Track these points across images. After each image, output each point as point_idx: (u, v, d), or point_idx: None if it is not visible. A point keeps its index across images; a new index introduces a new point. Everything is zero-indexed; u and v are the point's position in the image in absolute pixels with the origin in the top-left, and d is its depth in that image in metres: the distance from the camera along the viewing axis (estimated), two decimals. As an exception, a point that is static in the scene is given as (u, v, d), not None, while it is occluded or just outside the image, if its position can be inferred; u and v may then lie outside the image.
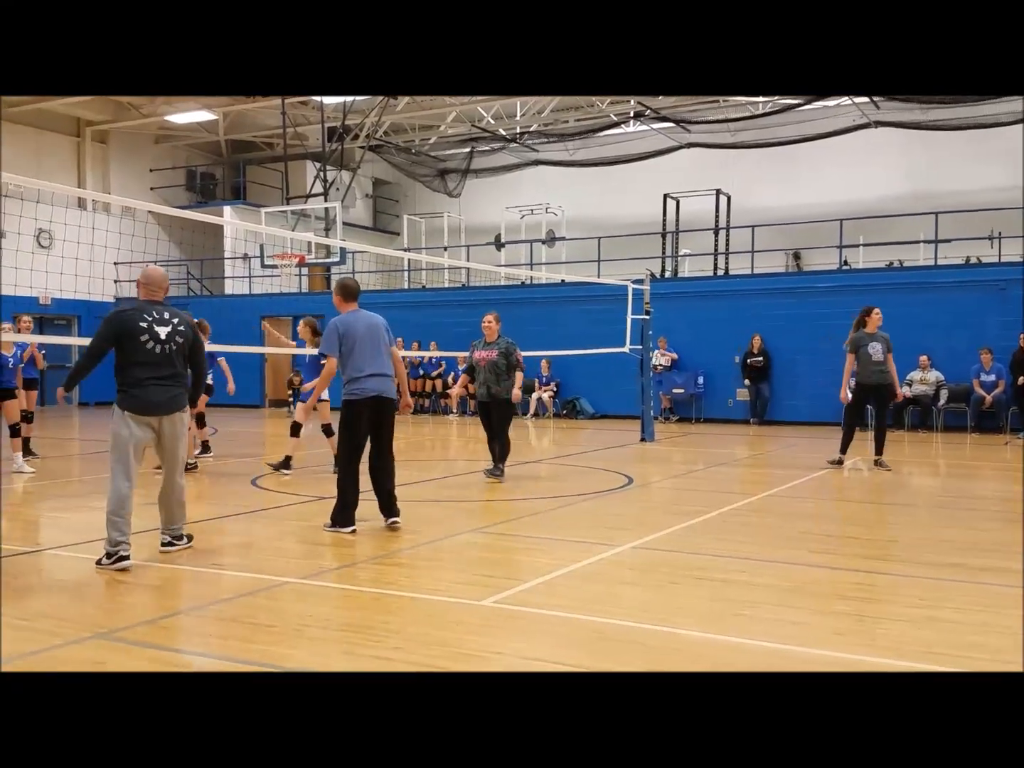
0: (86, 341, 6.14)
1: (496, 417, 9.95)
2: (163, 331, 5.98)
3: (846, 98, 21.19)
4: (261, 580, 5.57)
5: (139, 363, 5.89)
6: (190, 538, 6.43)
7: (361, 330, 7.07)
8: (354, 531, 6.93)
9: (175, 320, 6.07)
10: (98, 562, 5.83)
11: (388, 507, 7.15)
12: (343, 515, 6.98)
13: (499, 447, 9.95)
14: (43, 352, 12.32)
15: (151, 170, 27.21)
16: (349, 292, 7.27)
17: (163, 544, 6.30)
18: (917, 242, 19.92)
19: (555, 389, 20.63)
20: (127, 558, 5.77)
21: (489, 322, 10.01)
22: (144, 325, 5.91)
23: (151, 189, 26.90)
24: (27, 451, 11.70)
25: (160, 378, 5.94)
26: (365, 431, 7.04)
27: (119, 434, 5.90)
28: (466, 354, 10.49)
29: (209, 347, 9.75)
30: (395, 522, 7.09)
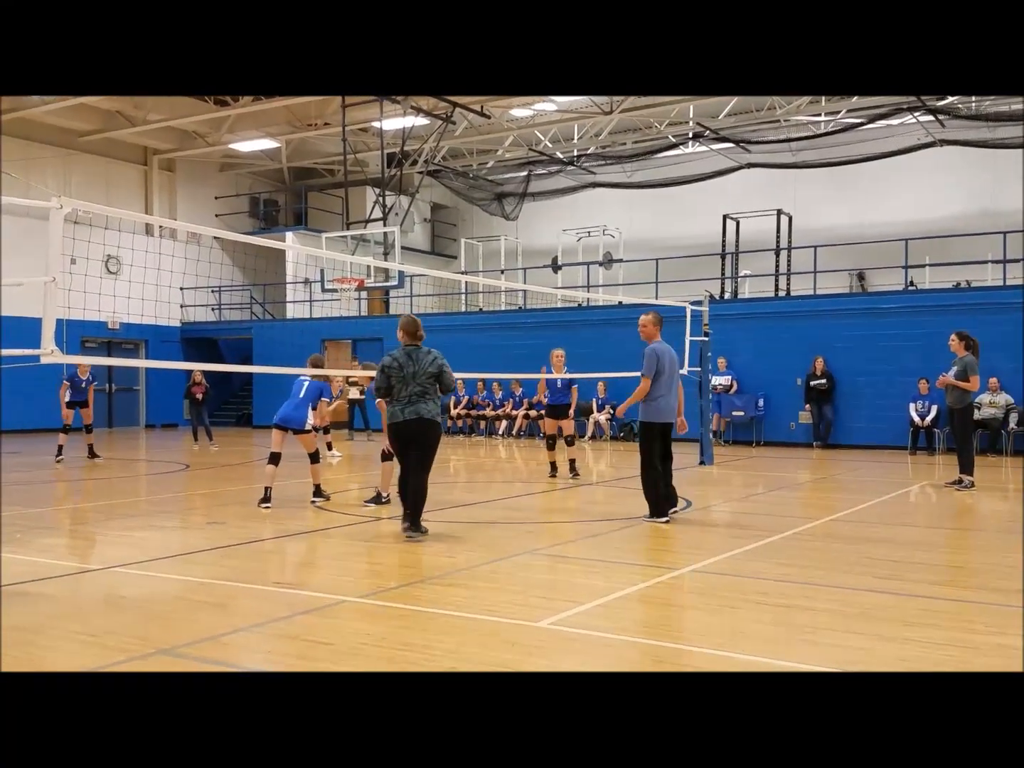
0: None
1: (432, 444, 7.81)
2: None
3: (910, 116, 20.89)
4: (320, 598, 5.62)
5: None
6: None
7: (668, 360, 9.08)
8: (667, 521, 8.42)
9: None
10: None
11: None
12: (658, 508, 8.48)
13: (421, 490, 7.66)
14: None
15: (216, 197, 27.82)
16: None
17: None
18: (984, 262, 19.51)
19: (612, 412, 20.52)
20: None
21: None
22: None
23: (216, 216, 27.48)
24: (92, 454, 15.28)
25: None
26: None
27: None
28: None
29: (275, 369, 9.88)
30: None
